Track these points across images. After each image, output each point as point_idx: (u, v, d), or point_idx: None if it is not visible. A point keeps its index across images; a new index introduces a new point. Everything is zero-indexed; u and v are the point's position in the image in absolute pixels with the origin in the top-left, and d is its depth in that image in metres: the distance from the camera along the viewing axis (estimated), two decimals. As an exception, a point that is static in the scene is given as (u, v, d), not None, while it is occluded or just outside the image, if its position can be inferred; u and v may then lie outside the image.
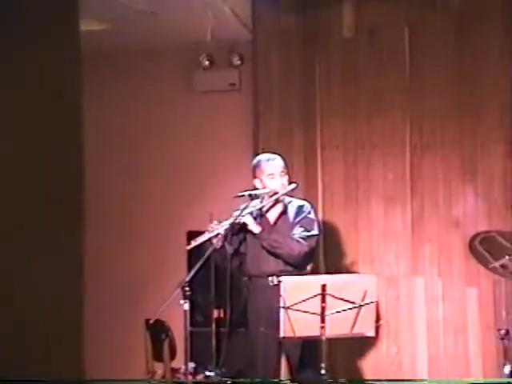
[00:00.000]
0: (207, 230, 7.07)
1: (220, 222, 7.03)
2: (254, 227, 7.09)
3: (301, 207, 7.28)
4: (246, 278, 7.24)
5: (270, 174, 7.18)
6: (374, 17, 8.38)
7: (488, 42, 8.07)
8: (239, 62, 9.11)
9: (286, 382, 6.41)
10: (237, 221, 7.04)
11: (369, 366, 8.28)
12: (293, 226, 7.20)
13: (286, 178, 7.24)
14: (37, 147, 1.81)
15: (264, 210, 7.20)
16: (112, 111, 8.55)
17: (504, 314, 7.56)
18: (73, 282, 1.88)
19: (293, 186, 7.25)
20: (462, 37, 8.18)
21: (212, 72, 9.23)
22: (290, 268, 7.07)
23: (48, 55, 1.82)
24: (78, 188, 1.87)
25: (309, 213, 7.29)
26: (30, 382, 1.68)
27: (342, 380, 5.69)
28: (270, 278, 6.92)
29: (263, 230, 7.11)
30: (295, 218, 7.23)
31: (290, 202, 7.27)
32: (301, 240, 7.14)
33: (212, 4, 8.11)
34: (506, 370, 7.24)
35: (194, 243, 7.13)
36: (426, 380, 4.84)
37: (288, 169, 7.38)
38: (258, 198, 7.14)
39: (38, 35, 1.81)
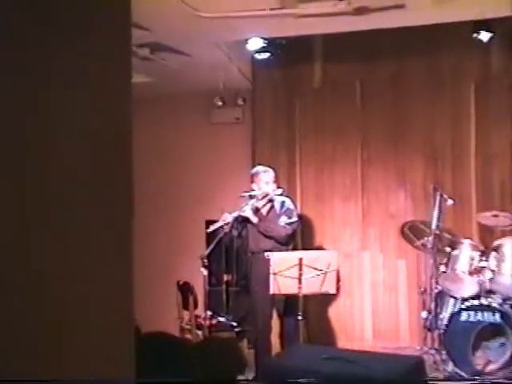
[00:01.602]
0: (220, 220, 7.11)
1: (230, 214, 7.08)
2: (253, 218, 7.10)
3: (284, 202, 7.29)
4: (248, 254, 7.26)
5: (264, 181, 7.23)
6: (335, 74, 8.34)
7: (413, 94, 8.13)
8: (242, 103, 9.11)
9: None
10: (240, 214, 7.08)
11: (331, 314, 8.28)
12: (279, 215, 7.19)
13: (275, 184, 7.28)
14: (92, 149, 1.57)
15: (259, 206, 7.22)
16: (153, 137, 8.55)
17: (423, 277, 7.58)
18: (124, 266, 1.65)
19: (280, 190, 7.29)
20: (395, 89, 8.22)
21: (223, 110, 9.21)
22: (279, 245, 7.08)
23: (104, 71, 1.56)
24: (128, 189, 1.64)
25: (290, 205, 7.30)
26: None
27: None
28: (265, 254, 6.94)
29: (259, 220, 7.12)
30: (280, 210, 7.23)
31: (276, 199, 7.29)
32: (286, 225, 7.17)
33: (224, 64, 8.16)
34: (423, 314, 7.26)
35: (211, 228, 7.15)
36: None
37: (276, 177, 7.42)
38: (255, 197, 7.17)
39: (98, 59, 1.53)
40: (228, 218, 7.04)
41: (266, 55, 7.97)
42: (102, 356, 1.54)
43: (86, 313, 1.51)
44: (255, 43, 7.71)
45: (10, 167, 1.36)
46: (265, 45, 7.75)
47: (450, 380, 6.43)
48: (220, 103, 9.10)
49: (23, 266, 1.40)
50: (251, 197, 7.14)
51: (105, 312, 1.55)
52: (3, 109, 1.32)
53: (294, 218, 7.27)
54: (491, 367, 6.56)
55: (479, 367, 6.56)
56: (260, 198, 7.14)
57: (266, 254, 6.87)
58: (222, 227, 7.07)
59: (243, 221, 7.14)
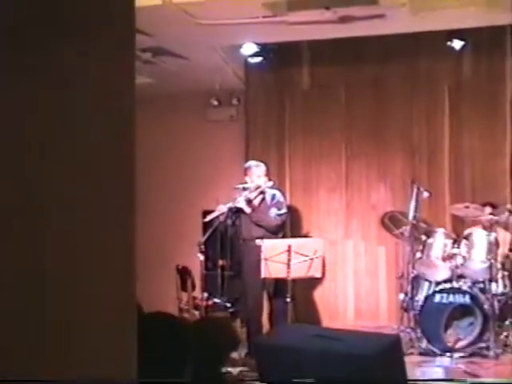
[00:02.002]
0: (216, 210, 7.10)
1: (224, 206, 7.06)
2: (246, 209, 7.09)
3: (275, 195, 7.26)
4: (241, 241, 7.25)
5: (256, 175, 7.21)
6: (322, 77, 8.36)
7: (393, 96, 8.14)
8: (237, 103, 9.07)
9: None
10: (235, 205, 7.07)
11: (317, 296, 8.29)
12: (270, 207, 7.16)
13: (266, 178, 7.27)
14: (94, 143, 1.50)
15: (252, 197, 7.20)
16: (154, 133, 8.50)
17: (401, 263, 7.59)
18: (126, 252, 1.56)
19: (271, 183, 7.27)
20: (376, 91, 8.22)
21: (219, 108, 9.17)
22: (269, 234, 7.08)
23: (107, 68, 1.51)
24: (131, 182, 1.57)
25: (280, 198, 7.29)
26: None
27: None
28: (256, 241, 6.93)
29: (252, 210, 7.10)
30: (271, 201, 7.20)
31: (267, 192, 7.28)
32: (276, 216, 7.16)
33: (220, 67, 8.14)
34: (400, 296, 7.29)
35: (208, 218, 7.15)
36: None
37: (268, 171, 7.41)
38: (247, 189, 7.15)
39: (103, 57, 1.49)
40: (223, 208, 7.03)
41: (258, 59, 8.01)
42: (104, 345, 1.49)
43: (88, 299, 1.46)
44: (249, 48, 7.75)
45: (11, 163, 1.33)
46: (258, 49, 7.80)
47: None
48: (216, 103, 9.06)
49: (23, 257, 1.35)
50: (244, 189, 7.10)
51: (107, 296, 1.51)
52: (9, 109, 1.30)
53: (284, 210, 7.26)
54: (461, 344, 6.61)
55: (450, 344, 6.62)
56: (252, 190, 7.11)
57: (258, 241, 6.88)
58: (217, 217, 7.07)
59: (237, 211, 7.12)
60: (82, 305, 1.43)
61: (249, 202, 7.11)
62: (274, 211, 7.15)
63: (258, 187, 7.13)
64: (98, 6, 1.45)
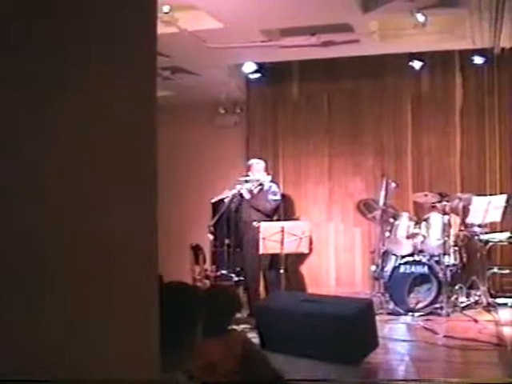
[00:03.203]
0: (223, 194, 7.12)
1: (229, 191, 7.06)
2: (247, 196, 7.09)
3: (271, 186, 7.23)
4: (241, 223, 7.24)
5: (257, 170, 7.20)
6: (309, 89, 8.33)
7: (366, 105, 8.12)
8: (239, 111, 9.02)
9: None
10: (239, 192, 7.06)
11: (305, 268, 8.29)
12: (267, 195, 7.18)
13: (265, 172, 7.25)
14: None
15: (252, 188, 7.18)
16: (172, 137, 8.44)
17: (373, 240, 7.59)
18: (150, 233, 1.50)
19: (269, 177, 7.25)
20: (353, 101, 8.20)
21: (225, 116, 9.12)
22: (265, 217, 7.08)
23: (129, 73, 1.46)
24: (153, 176, 1.50)
25: (275, 188, 7.26)
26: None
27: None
28: (254, 223, 6.93)
29: (251, 197, 7.08)
30: (268, 191, 7.21)
31: (265, 184, 7.25)
32: (271, 202, 7.14)
33: (226, 82, 8.10)
34: (372, 268, 7.28)
35: (215, 199, 7.15)
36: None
37: (266, 167, 7.40)
38: (249, 182, 7.14)
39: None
40: (229, 194, 7.03)
41: (257, 75, 7.96)
42: (130, 310, 1.42)
43: (120, 272, 1.41)
44: (249, 66, 7.73)
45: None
46: (256, 68, 7.76)
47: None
48: (222, 111, 9.01)
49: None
50: (246, 181, 7.10)
51: (135, 269, 1.45)
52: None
53: (278, 197, 7.24)
54: (420, 305, 6.61)
55: (412, 305, 6.63)
56: (253, 182, 7.11)
57: (255, 223, 6.87)
58: (222, 200, 7.07)
59: (240, 198, 7.12)
60: (114, 277, 1.39)
61: (250, 191, 7.10)
62: (270, 198, 7.13)
63: (258, 180, 7.12)
64: (124, 34, 1.44)
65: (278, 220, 7.41)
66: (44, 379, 1.19)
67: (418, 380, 4.32)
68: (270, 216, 7.12)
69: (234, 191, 6.99)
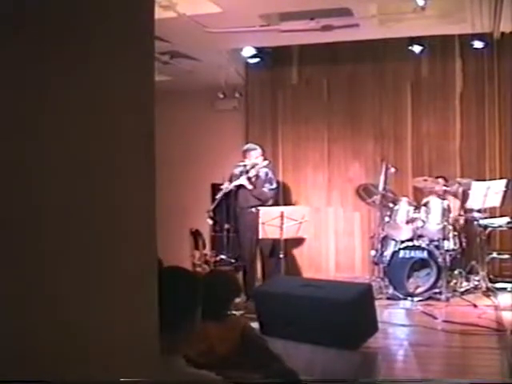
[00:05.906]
0: (222, 184, 7.09)
1: (229, 183, 7.05)
2: (246, 184, 7.07)
3: (267, 173, 7.22)
4: (238, 209, 7.23)
5: (254, 156, 7.17)
6: (308, 74, 8.33)
7: (365, 90, 8.10)
8: (238, 95, 8.98)
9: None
10: (238, 181, 7.05)
11: (304, 253, 8.30)
12: (264, 182, 7.14)
13: (262, 158, 7.23)
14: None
15: (250, 175, 7.17)
16: (171, 121, 8.41)
17: (373, 225, 7.61)
18: (149, 218, 1.50)
19: (266, 162, 7.22)
20: (352, 86, 8.17)
21: (224, 100, 9.07)
22: (260, 203, 7.06)
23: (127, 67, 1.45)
24: (151, 160, 1.50)
25: (271, 175, 7.25)
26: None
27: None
28: (252, 209, 6.92)
29: (249, 184, 7.09)
30: (264, 178, 7.18)
31: (261, 170, 7.22)
32: (268, 190, 7.14)
33: (225, 66, 8.07)
34: (372, 253, 7.29)
35: (219, 195, 7.11)
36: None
37: (264, 153, 7.38)
38: (246, 166, 7.12)
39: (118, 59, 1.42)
40: (228, 186, 7.03)
41: (256, 60, 7.94)
42: (130, 293, 1.44)
43: (120, 256, 1.42)
44: (248, 51, 7.71)
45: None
46: (255, 52, 7.73)
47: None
48: (222, 96, 8.96)
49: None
50: (244, 166, 7.09)
51: (135, 253, 1.47)
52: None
53: (274, 185, 7.24)
54: (419, 290, 6.63)
55: (411, 290, 6.64)
56: (249, 167, 7.09)
57: (253, 209, 6.87)
58: (225, 193, 7.09)
59: (238, 186, 7.10)
60: (112, 260, 1.40)
61: (248, 178, 7.09)
62: (266, 186, 7.13)
63: (255, 166, 7.10)
64: (121, 18, 1.43)
65: (278, 205, 7.42)
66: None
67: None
68: (264, 202, 7.10)
69: (236, 183, 6.98)
